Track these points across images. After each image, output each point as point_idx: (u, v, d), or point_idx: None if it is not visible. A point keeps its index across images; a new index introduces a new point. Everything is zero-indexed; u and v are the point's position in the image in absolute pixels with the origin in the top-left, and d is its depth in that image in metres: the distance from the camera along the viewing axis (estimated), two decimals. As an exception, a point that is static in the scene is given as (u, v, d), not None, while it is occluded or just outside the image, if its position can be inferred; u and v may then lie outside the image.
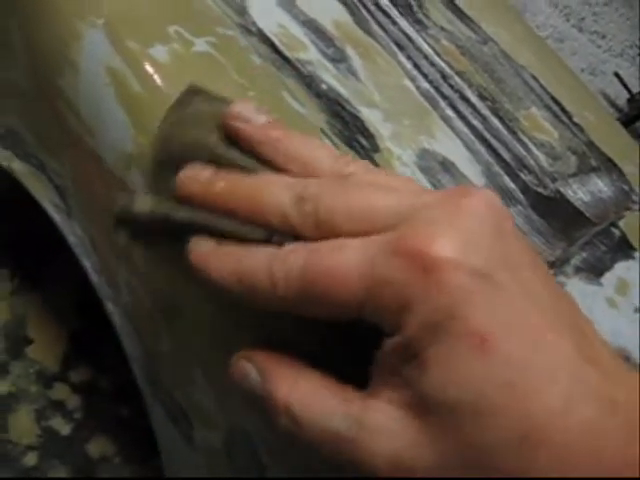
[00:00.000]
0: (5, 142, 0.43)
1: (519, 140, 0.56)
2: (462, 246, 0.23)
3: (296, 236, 0.27)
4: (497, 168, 0.51)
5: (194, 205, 0.29)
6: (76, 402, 0.49)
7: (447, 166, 0.46)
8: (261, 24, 0.44)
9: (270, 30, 0.44)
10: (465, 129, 0.51)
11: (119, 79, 0.34)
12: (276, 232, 0.27)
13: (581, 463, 0.22)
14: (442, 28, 0.62)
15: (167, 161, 0.32)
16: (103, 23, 0.35)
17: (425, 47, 0.56)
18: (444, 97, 0.53)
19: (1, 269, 0.53)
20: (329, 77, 0.44)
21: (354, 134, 0.42)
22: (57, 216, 0.40)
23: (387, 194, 0.26)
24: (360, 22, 0.52)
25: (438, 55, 0.57)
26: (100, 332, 0.55)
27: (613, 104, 1.88)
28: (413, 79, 0.52)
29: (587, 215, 0.54)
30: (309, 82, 0.42)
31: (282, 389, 0.26)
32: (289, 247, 0.26)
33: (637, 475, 0.22)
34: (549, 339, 0.23)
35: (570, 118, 0.66)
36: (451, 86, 0.55)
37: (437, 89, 0.53)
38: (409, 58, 0.53)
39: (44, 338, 0.51)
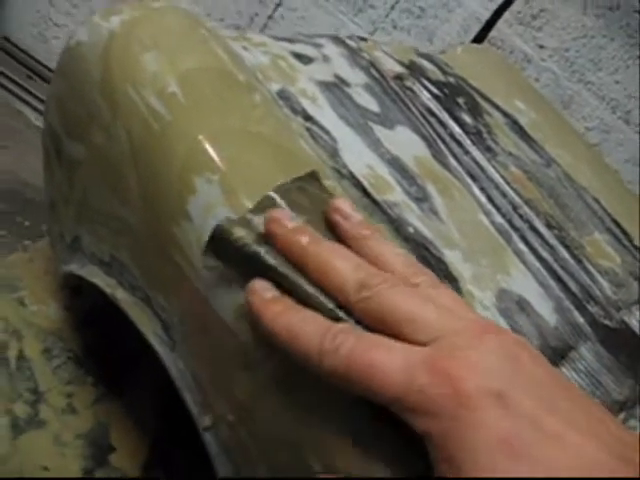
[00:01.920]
0: (110, 270, 0.46)
1: (585, 269, 0.58)
2: (482, 371, 0.28)
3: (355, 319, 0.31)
4: (567, 303, 0.52)
5: (278, 249, 0.33)
6: (154, 511, 0.51)
7: (523, 306, 0.48)
8: (351, 166, 0.47)
9: (360, 172, 0.47)
10: (536, 263, 0.53)
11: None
12: (341, 309, 0.31)
13: None
14: (510, 153, 0.64)
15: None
16: (218, 179, 0.38)
17: (496, 177, 0.59)
18: (516, 229, 0.55)
19: (87, 376, 0.55)
20: (414, 219, 0.47)
21: (440, 278, 0.44)
22: (160, 348, 0.42)
23: (435, 311, 0.30)
24: (437, 155, 0.55)
25: (508, 183, 0.60)
26: (178, 434, 0.57)
27: (656, 195, 1.88)
28: (487, 213, 0.54)
29: (651, 346, 0.56)
30: (397, 226, 0.45)
31: None
32: (342, 325, 0.30)
33: None
34: (569, 440, 0.26)
35: (631, 241, 0.68)
36: (521, 216, 0.57)
37: (509, 222, 0.55)
38: (482, 189, 0.56)
39: (126, 446, 0.53)
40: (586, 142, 0.80)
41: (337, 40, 0.61)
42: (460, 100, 0.66)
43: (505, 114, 0.71)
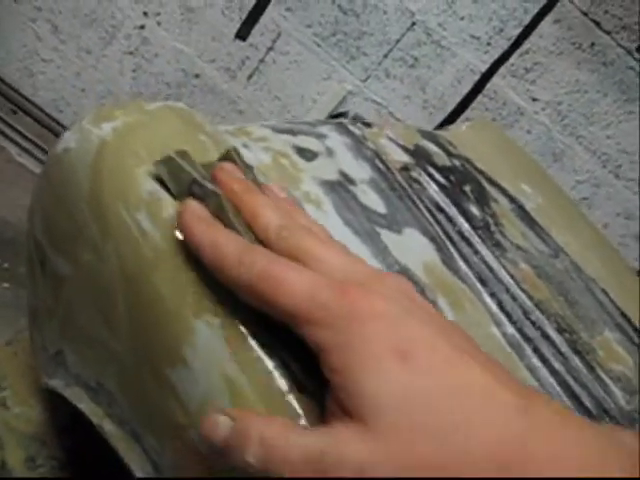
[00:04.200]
0: (97, 397, 0.42)
1: (598, 378, 0.55)
2: (379, 296, 0.30)
3: None
4: (583, 424, 0.49)
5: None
6: None
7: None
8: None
9: (368, 291, 0.43)
10: (550, 378, 0.50)
11: (236, 389, 0.33)
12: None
13: (488, 452, 0.27)
14: (518, 247, 0.61)
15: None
16: (219, 323, 0.34)
17: (506, 278, 0.56)
18: (528, 340, 0.52)
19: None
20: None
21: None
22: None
23: (341, 258, 0.34)
24: (447, 259, 0.52)
25: (517, 284, 0.56)
26: None
27: (646, 249, 1.88)
28: (499, 324, 0.51)
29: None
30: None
31: (255, 426, 0.29)
32: (261, 248, 0.33)
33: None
34: (459, 360, 0.29)
35: (640, 337, 0.65)
36: (533, 323, 0.54)
37: (521, 331, 0.52)
38: (493, 295, 0.53)
39: None
40: (592, 225, 0.77)
41: (341, 128, 0.58)
42: (467, 188, 0.63)
43: (511, 199, 0.68)
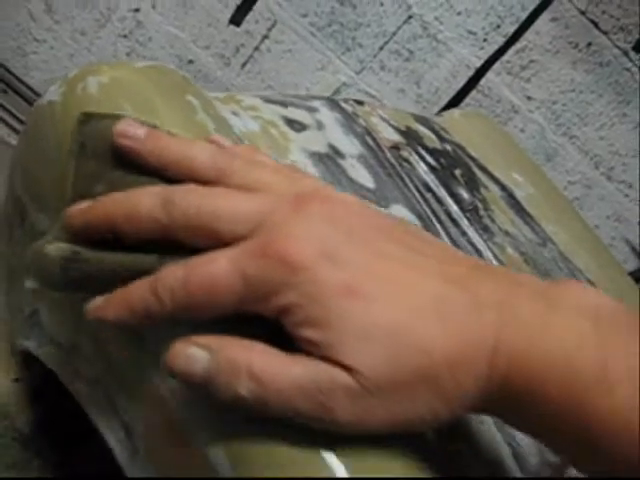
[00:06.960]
0: (69, 358, 0.41)
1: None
2: (305, 239, 0.29)
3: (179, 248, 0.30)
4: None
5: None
6: None
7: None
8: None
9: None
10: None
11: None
12: (166, 257, 0.30)
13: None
14: (506, 232, 0.61)
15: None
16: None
17: (493, 262, 0.55)
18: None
19: (32, 459, 0.50)
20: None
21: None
22: (119, 451, 0.37)
23: (249, 199, 0.31)
24: (434, 238, 0.51)
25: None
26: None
27: (636, 252, 1.88)
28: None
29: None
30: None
31: (241, 355, 0.28)
32: (166, 269, 0.30)
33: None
34: (404, 280, 0.29)
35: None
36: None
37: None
38: (479, 277, 0.52)
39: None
40: (581, 219, 0.77)
41: (332, 103, 0.57)
42: (457, 172, 0.62)
43: (502, 187, 0.67)
